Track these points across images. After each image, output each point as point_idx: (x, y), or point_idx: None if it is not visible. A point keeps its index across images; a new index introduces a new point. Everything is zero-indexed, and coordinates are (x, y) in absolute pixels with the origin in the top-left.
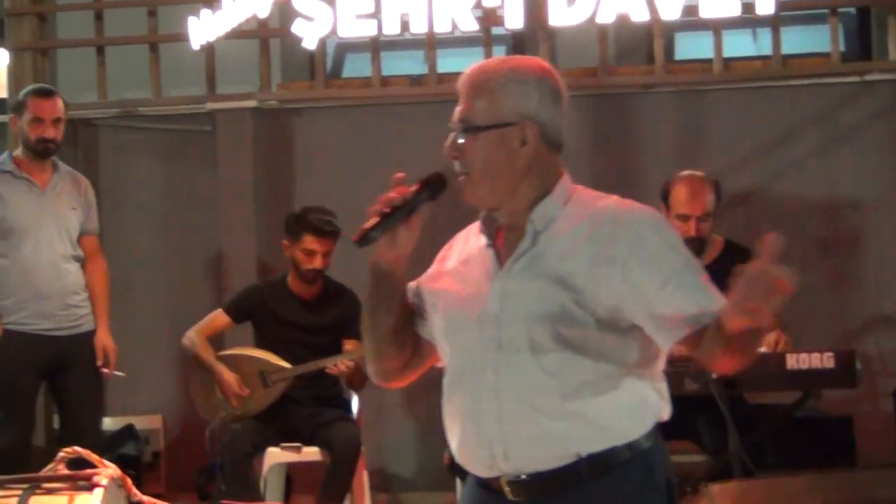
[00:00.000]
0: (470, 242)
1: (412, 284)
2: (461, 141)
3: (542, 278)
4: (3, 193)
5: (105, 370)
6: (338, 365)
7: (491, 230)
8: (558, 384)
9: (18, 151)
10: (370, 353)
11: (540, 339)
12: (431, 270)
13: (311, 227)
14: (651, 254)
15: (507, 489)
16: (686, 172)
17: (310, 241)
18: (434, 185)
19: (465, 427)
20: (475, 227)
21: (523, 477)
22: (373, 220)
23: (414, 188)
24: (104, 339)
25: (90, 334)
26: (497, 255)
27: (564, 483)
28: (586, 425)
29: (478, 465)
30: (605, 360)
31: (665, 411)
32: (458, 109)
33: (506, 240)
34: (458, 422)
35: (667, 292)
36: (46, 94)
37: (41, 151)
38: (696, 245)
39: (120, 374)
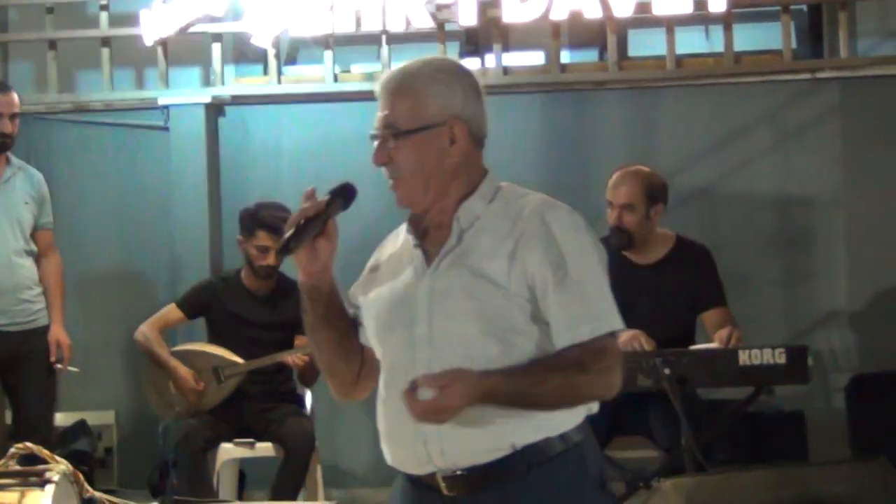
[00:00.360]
0: (399, 243)
1: (348, 293)
2: (390, 146)
3: (469, 275)
4: None
5: (59, 366)
6: (291, 358)
7: (418, 230)
8: (481, 371)
9: None
10: (324, 371)
11: (471, 334)
12: (362, 278)
13: (264, 223)
14: (559, 253)
15: (442, 485)
16: (629, 166)
17: (263, 238)
18: (345, 194)
19: (398, 425)
20: (403, 227)
21: (459, 472)
22: (290, 231)
23: (325, 199)
24: (58, 335)
25: (44, 330)
26: (425, 254)
27: (500, 476)
28: (521, 417)
29: (411, 463)
30: (536, 351)
31: (595, 404)
32: (380, 115)
33: (433, 239)
34: (391, 420)
35: (558, 295)
36: (1, 88)
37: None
38: (622, 236)
39: (73, 369)
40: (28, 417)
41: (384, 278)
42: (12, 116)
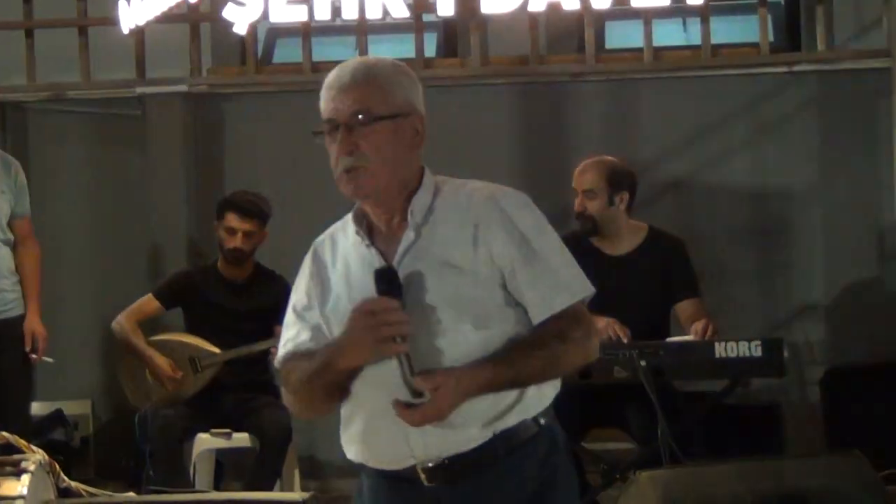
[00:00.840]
0: (339, 246)
1: (314, 323)
2: (356, 135)
3: (435, 266)
4: None
5: (33, 355)
6: (271, 350)
7: (364, 229)
8: (469, 363)
9: None
10: (299, 404)
11: (446, 323)
12: (307, 296)
13: (233, 205)
14: (520, 233)
15: (422, 476)
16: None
17: (231, 219)
18: (388, 280)
19: (374, 422)
20: (340, 230)
21: (440, 462)
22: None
23: (395, 302)
24: (34, 324)
25: (19, 319)
26: (380, 253)
27: (481, 461)
28: (499, 401)
29: (388, 459)
30: (512, 331)
31: (558, 382)
32: (345, 105)
33: (384, 236)
34: (364, 418)
35: (528, 273)
36: None
37: None
38: (585, 222)
39: (48, 359)
40: (4, 407)
41: (337, 286)
42: None
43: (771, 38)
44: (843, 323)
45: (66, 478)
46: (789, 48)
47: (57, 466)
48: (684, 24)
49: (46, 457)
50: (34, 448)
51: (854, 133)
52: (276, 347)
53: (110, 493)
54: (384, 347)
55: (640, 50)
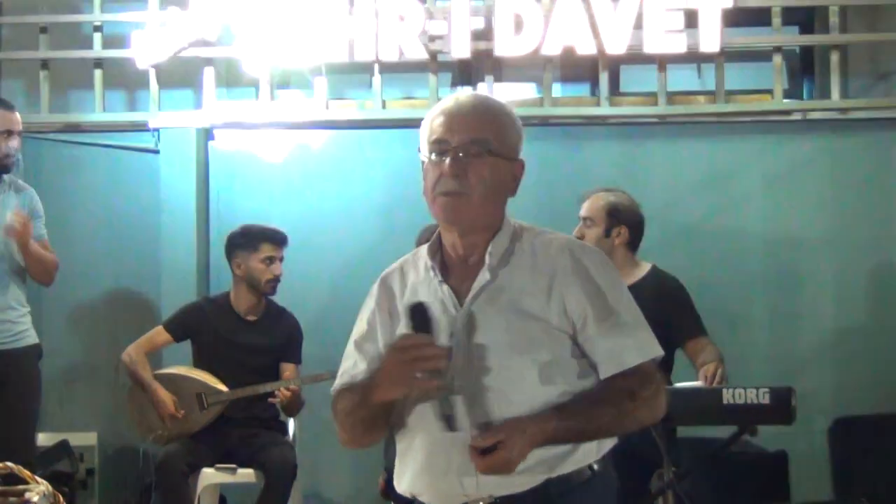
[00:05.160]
0: (408, 278)
1: (373, 355)
2: (465, 160)
3: (508, 311)
4: None
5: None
6: (277, 393)
7: (437, 264)
8: (530, 411)
9: None
10: (343, 434)
11: (510, 367)
12: (378, 326)
13: (266, 235)
14: (596, 287)
15: None
16: None
17: (268, 249)
18: (421, 315)
19: (431, 458)
20: (409, 262)
21: (494, 501)
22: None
23: (428, 338)
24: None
25: (28, 350)
26: (453, 290)
27: (532, 502)
28: (557, 448)
29: (441, 495)
30: (574, 385)
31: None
32: (462, 130)
33: (458, 274)
34: (422, 453)
35: (601, 327)
36: (10, 107)
37: (3, 167)
38: None
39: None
40: (10, 438)
41: (405, 318)
42: (13, 134)
43: (785, 85)
44: (853, 372)
45: None
46: (803, 96)
47: (61, 498)
48: (699, 69)
49: (50, 488)
50: (39, 479)
51: (867, 182)
52: (281, 389)
53: None
54: (417, 382)
55: (654, 94)
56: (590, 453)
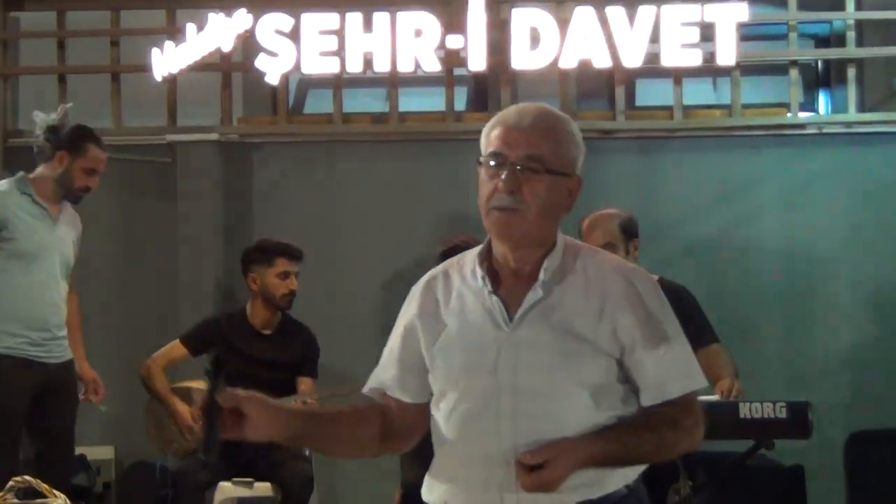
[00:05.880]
0: (453, 284)
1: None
2: (521, 176)
3: (558, 330)
4: (21, 215)
5: (93, 398)
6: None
7: (487, 274)
8: (577, 432)
9: (38, 176)
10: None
11: (560, 387)
12: (419, 330)
13: (281, 249)
14: (647, 313)
15: None
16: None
17: (283, 264)
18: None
19: (472, 471)
20: (454, 267)
21: None
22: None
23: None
24: (91, 371)
25: (70, 363)
26: (503, 302)
27: None
28: (598, 470)
29: None
30: (618, 409)
31: None
32: (520, 144)
33: (509, 287)
34: (462, 465)
35: (649, 354)
36: (103, 145)
37: (76, 199)
38: None
39: (103, 407)
40: (58, 451)
41: (450, 324)
42: (97, 173)
43: (801, 98)
44: (869, 386)
45: None
46: (819, 109)
47: None
48: (714, 82)
49: (68, 501)
50: (56, 492)
51: (883, 196)
52: (300, 403)
53: None
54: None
55: (669, 108)
56: (627, 475)
